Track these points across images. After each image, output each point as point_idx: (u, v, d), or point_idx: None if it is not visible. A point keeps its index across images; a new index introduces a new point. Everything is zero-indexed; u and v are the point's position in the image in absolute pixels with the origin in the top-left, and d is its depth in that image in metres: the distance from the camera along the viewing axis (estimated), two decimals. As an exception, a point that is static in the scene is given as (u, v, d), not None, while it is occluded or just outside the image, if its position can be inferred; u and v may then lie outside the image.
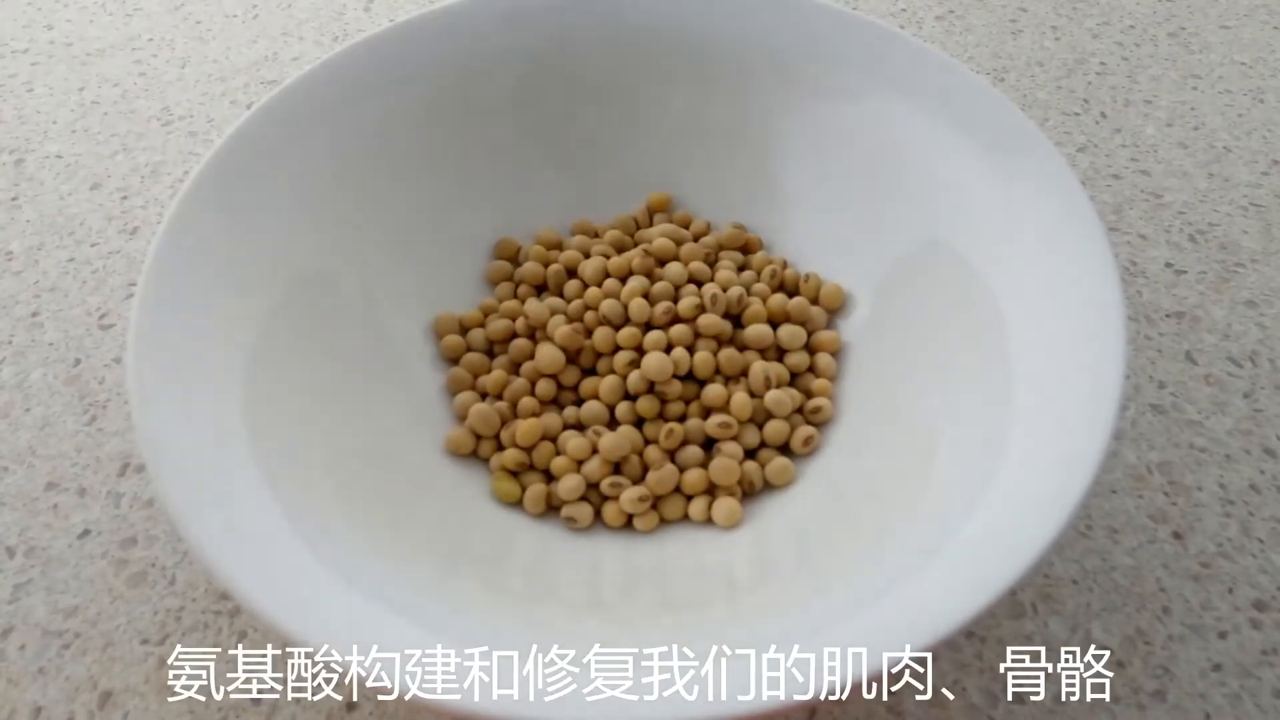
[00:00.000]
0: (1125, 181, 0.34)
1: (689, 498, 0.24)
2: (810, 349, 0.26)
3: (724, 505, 0.23)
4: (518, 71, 0.28)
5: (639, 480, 0.24)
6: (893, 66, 0.26)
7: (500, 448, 0.25)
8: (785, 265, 0.28)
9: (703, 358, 0.25)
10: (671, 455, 0.24)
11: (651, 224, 0.30)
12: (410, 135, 0.27)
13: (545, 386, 0.25)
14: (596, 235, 0.29)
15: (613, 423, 0.25)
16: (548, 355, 0.25)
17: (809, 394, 0.25)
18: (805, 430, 0.24)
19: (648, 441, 0.25)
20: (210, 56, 0.40)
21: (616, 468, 0.24)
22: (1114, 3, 0.42)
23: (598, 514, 0.24)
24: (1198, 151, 0.35)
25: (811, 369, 0.26)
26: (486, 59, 0.28)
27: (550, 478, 0.24)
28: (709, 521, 0.23)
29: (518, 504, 0.24)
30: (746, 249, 0.29)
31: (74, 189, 0.34)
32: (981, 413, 0.21)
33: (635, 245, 0.28)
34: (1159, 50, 0.40)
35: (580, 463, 0.24)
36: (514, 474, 0.24)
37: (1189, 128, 0.36)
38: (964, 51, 0.39)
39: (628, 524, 0.24)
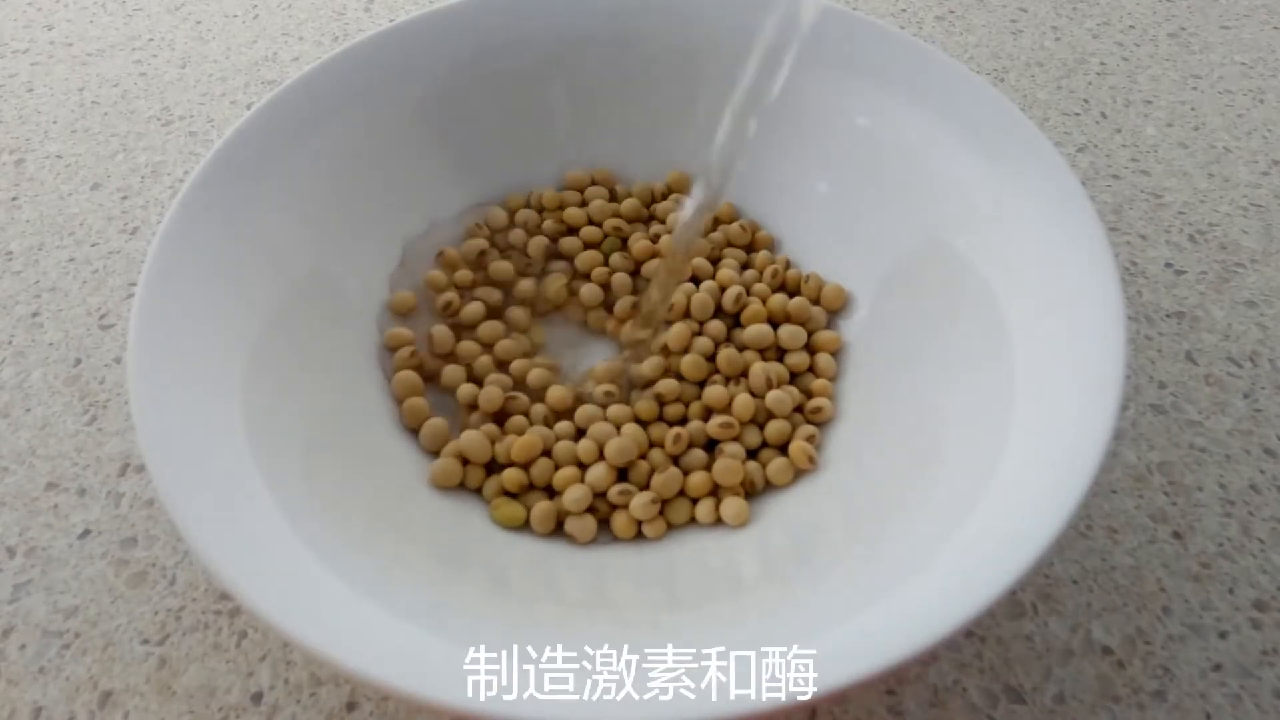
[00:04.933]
0: (1125, 181, 0.34)
1: (694, 501, 0.24)
2: (810, 349, 0.26)
3: (732, 504, 0.23)
4: (519, 71, 0.28)
5: (645, 486, 0.24)
6: (893, 67, 0.26)
7: (489, 473, 0.24)
8: (788, 265, 0.28)
9: (692, 360, 0.25)
10: (675, 459, 0.24)
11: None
12: (410, 135, 0.27)
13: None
14: (615, 196, 0.29)
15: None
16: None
17: (809, 394, 0.25)
18: (807, 429, 0.24)
19: (651, 445, 0.25)
20: (210, 56, 0.40)
21: (623, 474, 0.24)
22: (1114, 3, 0.42)
23: (602, 523, 0.23)
24: (1198, 151, 0.35)
25: (811, 369, 0.26)
26: (487, 59, 0.28)
27: (552, 493, 0.24)
28: (716, 523, 0.23)
29: (523, 526, 0.23)
30: (753, 247, 0.29)
31: (74, 189, 0.34)
32: (982, 413, 0.21)
33: (649, 219, 0.29)
34: (1159, 50, 0.40)
35: (584, 469, 0.24)
36: (513, 495, 0.24)
37: (1189, 128, 0.36)
38: (964, 51, 0.39)
39: (638, 535, 0.23)
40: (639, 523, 0.23)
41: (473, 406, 0.25)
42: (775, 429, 0.24)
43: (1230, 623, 0.23)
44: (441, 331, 0.26)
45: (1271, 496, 0.26)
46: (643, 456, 0.24)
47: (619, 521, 0.23)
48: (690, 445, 0.24)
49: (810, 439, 0.24)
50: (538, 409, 0.25)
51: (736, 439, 0.24)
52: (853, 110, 0.27)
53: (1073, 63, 0.39)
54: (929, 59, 0.26)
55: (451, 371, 0.26)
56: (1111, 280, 0.21)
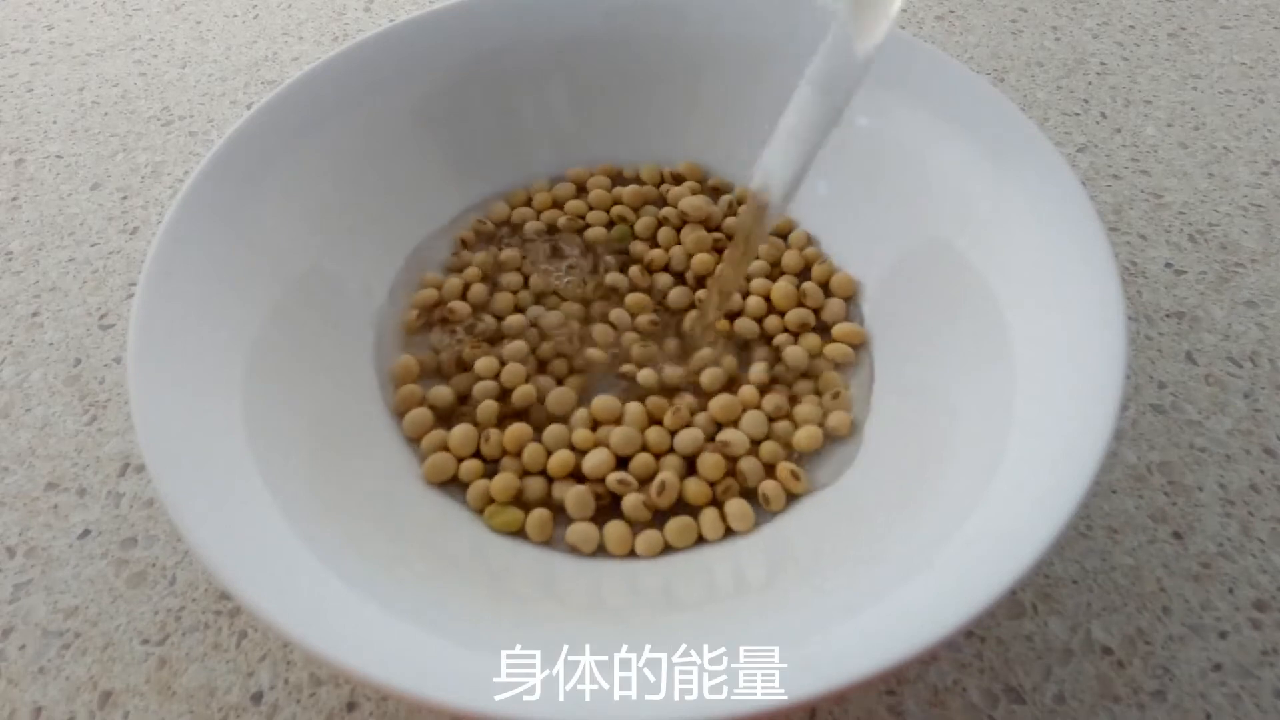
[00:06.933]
0: (1125, 181, 0.34)
1: (697, 511, 0.23)
2: (823, 342, 0.26)
3: (735, 506, 0.23)
4: (518, 71, 0.28)
5: (647, 480, 0.23)
6: (893, 67, 0.26)
7: (485, 465, 0.24)
8: (809, 242, 0.28)
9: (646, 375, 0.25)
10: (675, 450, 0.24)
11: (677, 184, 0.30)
12: (410, 135, 0.27)
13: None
14: (623, 179, 0.30)
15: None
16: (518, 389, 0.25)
17: (818, 389, 0.26)
18: (809, 433, 0.24)
19: (653, 421, 0.24)
20: (210, 56, 0.40)
21: (624, 463, 0.24)
22: (1114, 3, 0.42)
23: (602, 523, 0.23)
24: (1198, 151, 0.35)
25: (824, 357, 0.26)
26: (486, 59, 0.28)
27: (546, 501, 0.23)
28: (726, 535, 0.23)
29: (518, 533, 0.23)
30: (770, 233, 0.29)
31: (74, 189, 0.34)
32: (982, 413, 0.21)
33: (662, 203, 0.29)
34: (1159, 50, 0.40)
35: (579, 455, 0.24)
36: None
37: (1189, 128, 0.36)
38: (964, 51, 0.39)
39: (631, 553, 0.23)
40: (633, 537, 0.23)
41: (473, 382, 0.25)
42: (768, 450, 0.24)
43: (1230, 623, 0.23)
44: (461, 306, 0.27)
45: (1271, 496, 0.26)
46: (643, 430, 0.24)
47: (612, 535, 0.22)
48: (690, 426, 0.24)
49: (834, 443, 0.24)
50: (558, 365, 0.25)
51: (735, 424, 0.24)
52: (853, 110, 0.27)
53: (1073, 63, 0.39)
54: (929, 59, 0.26)
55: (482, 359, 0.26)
56: (1111, 280, 0.21)
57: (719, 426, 0.25)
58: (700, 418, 0.25)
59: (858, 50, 0.20)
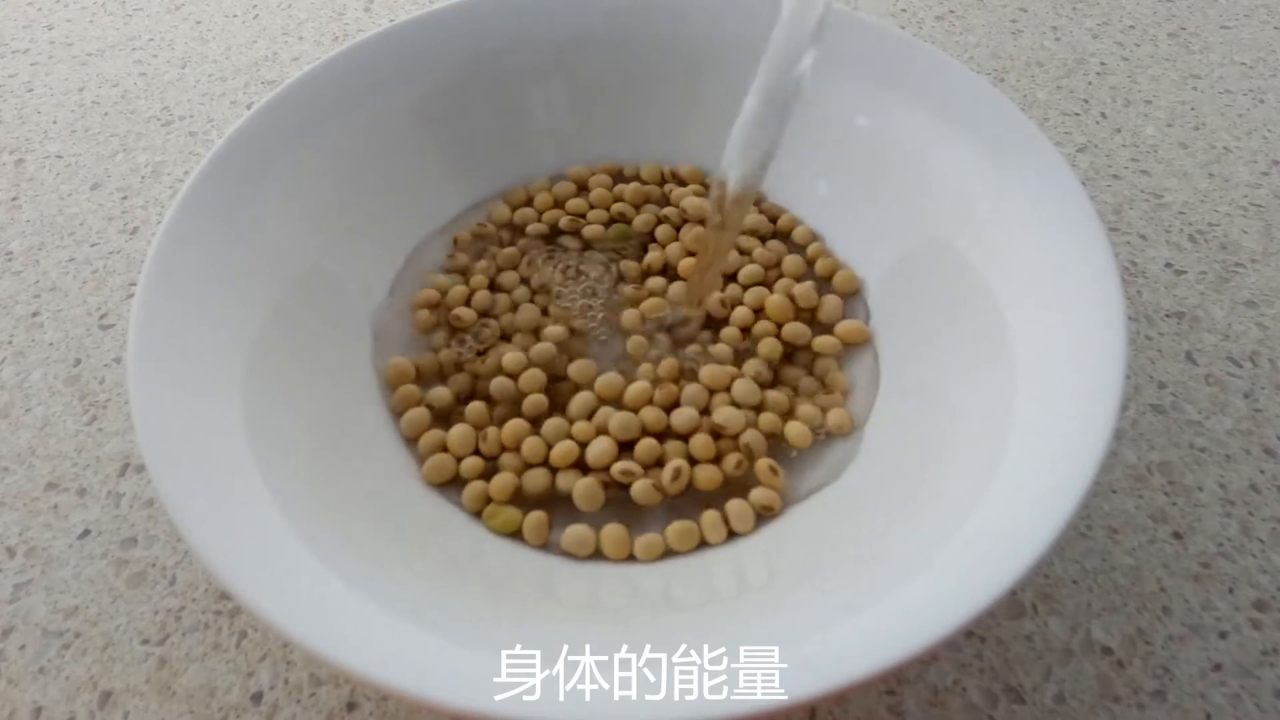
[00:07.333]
0: (1125, 181, 0.34)
1: (702, 508, 0.23)
2: (817, 342, 0.26)
3: (736, 508, 0.23)
4: (518, 71, 0.28)
5: (652, 466, 0.23)
6: (893, 67, 0.26)
7: (485, 463, 0.24)
8: (814, 238, 0.28)
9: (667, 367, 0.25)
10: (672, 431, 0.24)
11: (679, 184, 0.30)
12: (410, 135, 0.27)
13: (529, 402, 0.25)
14: (624, 178, 0.30)
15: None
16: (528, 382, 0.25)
17: (823, 384, 0.26)
18: (794, 431, 0.24)
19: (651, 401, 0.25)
20: (210, 56, 0.40)
21: (628, 448, 0.24)
22: (1114, 3, 0.42)
23: (607, 521, 0.23)
24: (1198, 151, 0.35)
25: (824, 354, 0.26)
26: (486, 59, 0.28)
27: (544, 502, 0.23)
28: (729, 537, 0.23)
29: (517, 533, 0.23)
30: (775, 235, 0.29)
31: (74, 189, 0.34)
32: (982, 413, 0.21)
33: (664, 203, 0.29)
34: (1159, 50, 0.40)
35: (582, 447, 0.24)
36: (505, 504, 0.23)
37: (1189, 128, 0.36)
38: (964, 51, 0.39)
39: (629, 558, 0.22)
40: (630, 541, 0.22)
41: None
42: (766, 422, 0.24)
43: (1230, 623, 0.23)
44: (466, 312, 0.26)
45: (1271, 496, 0.26)
46: (644, 432, 0.24)
47: (609, 539, 0.22)
48: (679, 406, 0.24)
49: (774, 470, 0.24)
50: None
51: (727, 389, 0.24)
52: (853, 110, 0.27)
53: (1073, 63, 0.39)
54: (929, 59, 0.26)
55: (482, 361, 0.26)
56: (1111, 280, 0.21)
57: (711, 393, 0.25)
58: (692, 389, 0.25)
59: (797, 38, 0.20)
